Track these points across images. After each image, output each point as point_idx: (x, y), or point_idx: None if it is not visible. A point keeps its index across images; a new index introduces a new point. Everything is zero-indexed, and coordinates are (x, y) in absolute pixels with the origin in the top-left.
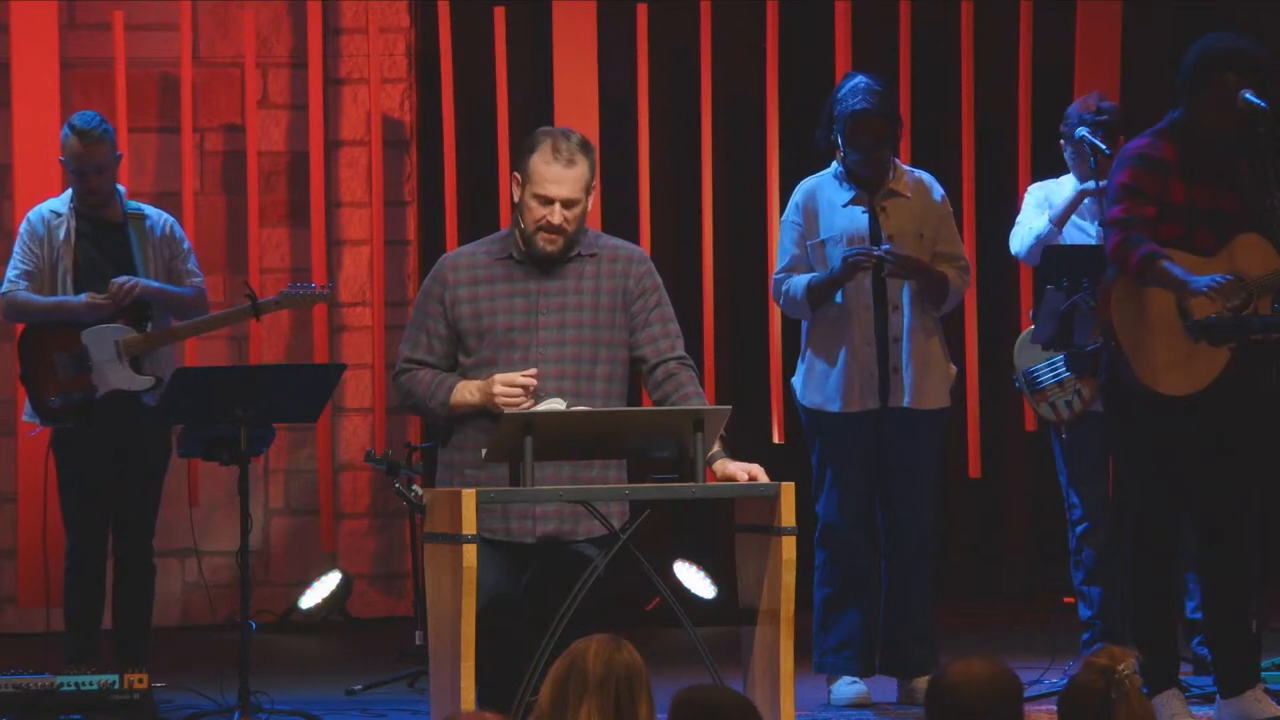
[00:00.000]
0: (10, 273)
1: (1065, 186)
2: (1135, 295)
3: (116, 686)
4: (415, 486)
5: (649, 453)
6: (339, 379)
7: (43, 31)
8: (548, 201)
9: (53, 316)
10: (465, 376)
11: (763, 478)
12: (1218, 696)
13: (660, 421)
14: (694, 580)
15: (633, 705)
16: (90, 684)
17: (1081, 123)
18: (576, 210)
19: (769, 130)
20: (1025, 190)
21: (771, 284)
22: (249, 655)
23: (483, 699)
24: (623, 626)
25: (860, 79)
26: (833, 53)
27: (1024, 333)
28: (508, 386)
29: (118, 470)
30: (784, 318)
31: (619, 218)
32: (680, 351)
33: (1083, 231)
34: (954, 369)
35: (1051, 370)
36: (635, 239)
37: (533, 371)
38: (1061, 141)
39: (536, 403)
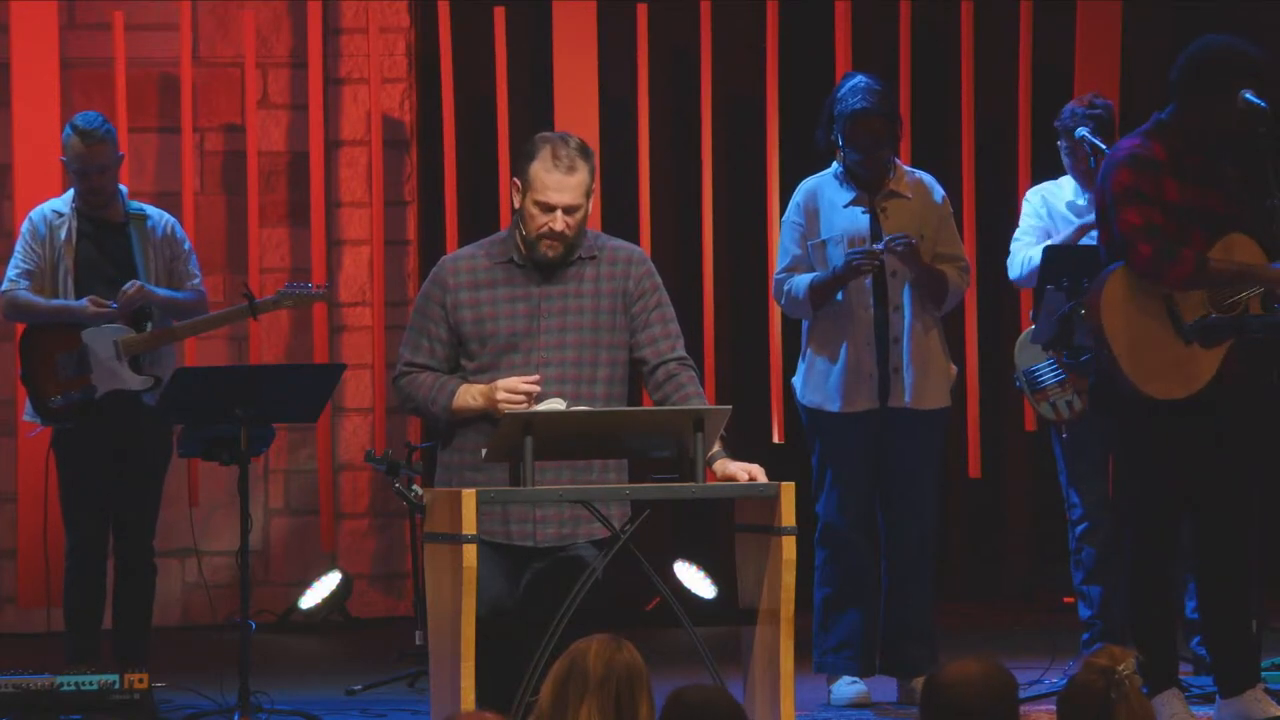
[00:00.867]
0: (11, 272)
1: (1064, 188)
2: (1125, 301)
3: (116, 686)
4: (415, 486)
5: (649, 453)
6: (339, 379)
7: (43, 31)
8: (549, 209)
9: (54, 319)
10: (469, 381)
11: (762, 478)
12: (1218, 696)
13: (660, 421)
14: (694, 580)
15: (633, 705)
16: (90, 684)
17: (1075, 118)
18: (578, 215)
19: (769, 130)
20: (1025, 191)
21: (772, 284)
22: (249, 655)
23: (482, 699)
24: (623, 626)
25: (860, 79)
26: (833, 53)
27: (1024, 332)
28: (510, 393)
29: (118, 470)
30: (784, 318)
31: (619, 218)
32: (681, 352)
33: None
34: (954, 369)
35: (1052, 370)
36: (635, 239)
37: (535, 377)
38: (1059, 142)
39: (537, 403)
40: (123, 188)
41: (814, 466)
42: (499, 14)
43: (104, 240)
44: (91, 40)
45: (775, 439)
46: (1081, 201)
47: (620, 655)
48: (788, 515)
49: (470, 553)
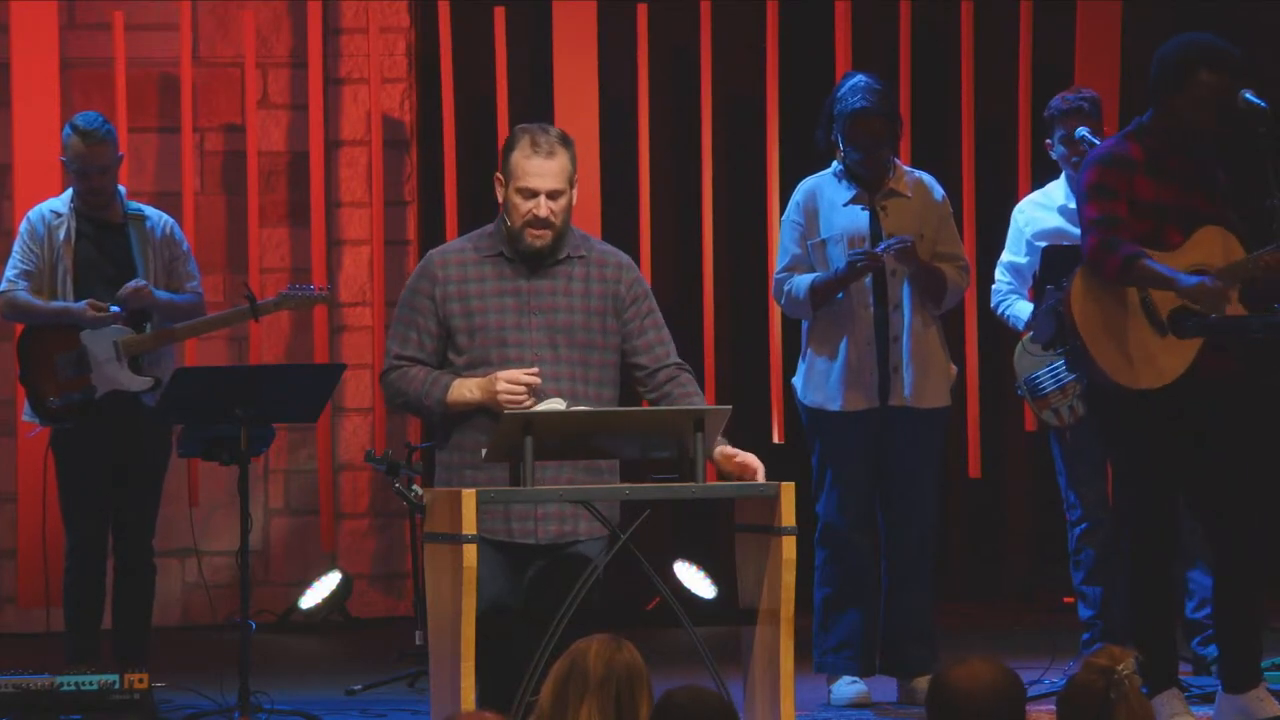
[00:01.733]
0: (9, 272)
1: (1055, 194)
2: (1096, 293)
3: (116, 686)
4: (415, 486)
5: (649, 453)
6: (339, 379)
7: (43, 31)
8: (532, 194)
9: (53, 321)
10: (459, 375)
11: (759, 474)
12: (1219, 691)
13: (660, 421)
14: (694, 580)
15: (633, 705)
16: (90, 684)
17: (1063, 99)
18: (562, 202)
19: (769, 130)
20: (1024, 191)
21: (772, 284)
22: (249, 655)
23: (483, 698)
24: (623, 626)
25: (860, 78)
26: (833, 53)
27: (1021, 341)
28: (511, 384)
29: (118, 470)
30: (784, 318)
31: (619, 218)
32: (677, 357)
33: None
34: (954, 368)
35: (1053, 376)
36: (635, 239)
37: (536, 370)
38: (1047, 141)
39: (537, 402)
40: (121, 188)
41: (814, 466)
42: (499, 14)
43: (103, 240)
44: (91, 40)
45: (775, 439)
46: (1074, 205)
47: (620, 655)
48: (788, 515)
49: (470, 553)
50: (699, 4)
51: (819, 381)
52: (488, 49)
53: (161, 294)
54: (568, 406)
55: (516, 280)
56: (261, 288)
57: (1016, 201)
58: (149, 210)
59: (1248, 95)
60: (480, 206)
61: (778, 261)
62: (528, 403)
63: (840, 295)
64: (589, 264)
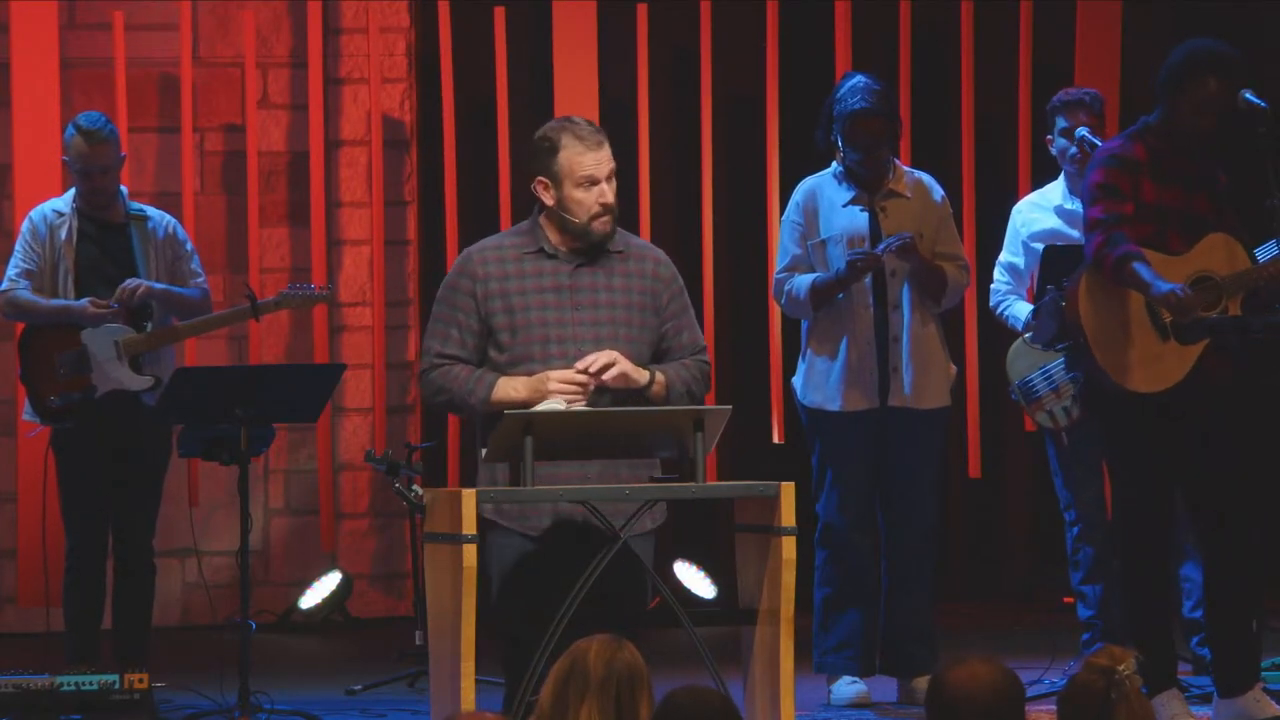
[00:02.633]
0: (11, 271)
1: (1053, 195)
2: (1102, 293)
3: (116, 686)
4: (415, 486)
5: (649, 453)
6: (339, 379)
7: (43, 31)
8: (594, 183)
9: (53, 320)
10: (503, 373)
11: (610, 362)
12: (1215, 696)
13: (660, 421)
14: (694, 580)
15: (634, 706)
16: (90, 684)
17: (1063, 97)
18: (614, 185)
19: (769, 130)
20: (1024, 191)
21: (772, 284)
22: (249, 655)
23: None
24: (623, 627)
25: (859, 79)
26: (833, 53)
27: (1014, 344)
28: (565, 384)
29: (117, 470)
30: (784, 318)
31: (619, 218)
32: (701, 347)
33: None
34: (954, 368)
35: (1045, 377)
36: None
37: (588, 365)
38: (1048, 136)
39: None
40: (123, 188)
41: (814, 466)
42: (499, 14)
43: (105, 241)
44: (91, 40)
45: (775, 439)
46: (1070, 205)
47: (621, 655)
48: (788, 515)
49: (470, 553)
50: (699, 4)
51: (819, 382)
52: (488, 49)
53: (160, 284)
54: (567, 406)
55: (558, 277)
56: (261, 288)
57: (1016, 201)
58: (151, 210)
59: (1248, 95)
60: (480, 206)
61: (778, 262)
62: (582, 403)
63: (840, 295)
64: (628, 259)
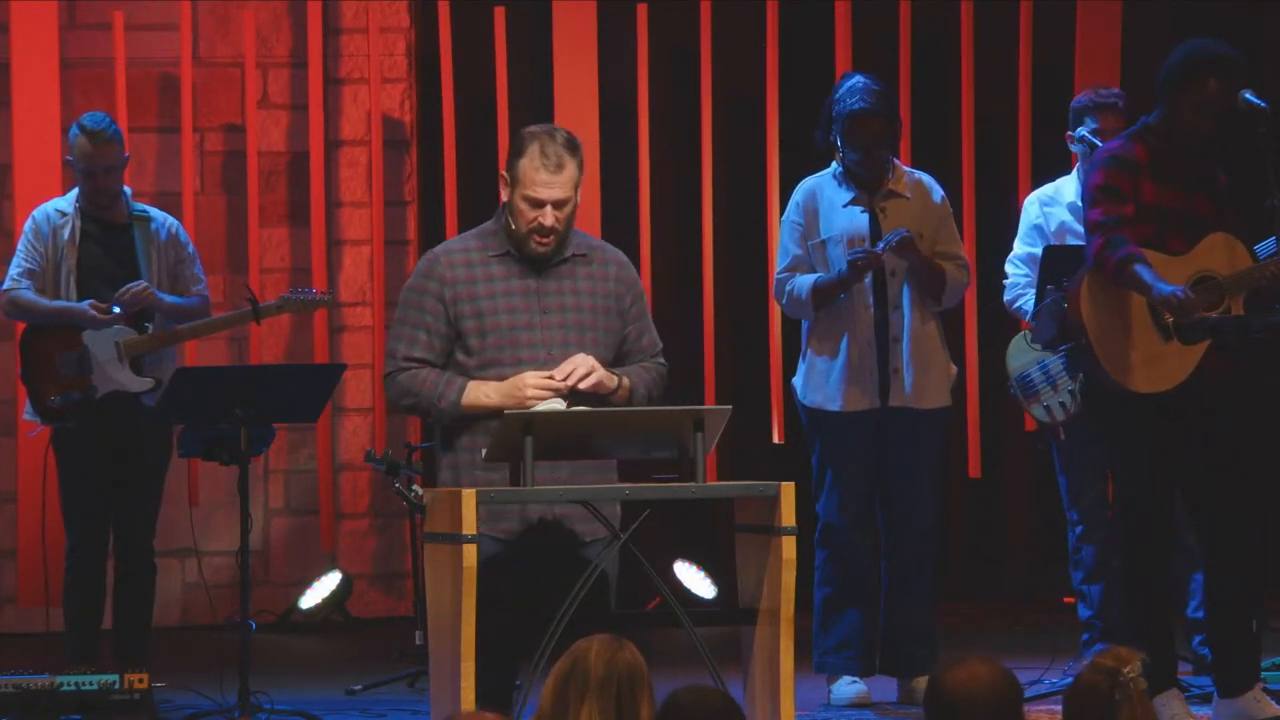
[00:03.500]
0: (13, 270)
1: (1065, 192)
2: (1104, 294)
3: (116, 686)
4: (415, 486)
5: (649, 453)
6: (339, 379)
7: (43, 31)
8: (538, 204)
9: (54, 320)
10: (470, 377)
11: (588, 370)
12: (1215, 696)
13: (660, 421)
14: (694, 580)
15: (634, 706)
16: (90, 684)
17: (1087, 109)
18: (567, 209)
19: (769, 130)
20: (1025, 191)
21: (773, 284)
22: (249, 655)
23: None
24: (623, 626)
25: (859, 79)
26: (833, 53)
27: (1014, 339)
28: (540, 389)
29: (118, 471)
30: (784, 317)
31: (619, 218)
32: (658, 350)
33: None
34: (954, 368)
35: (1043, 371)
36: (635, 239)
37: (560, 371)
38: (1069, 134)
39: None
40: (127, 189)
41: (814, 466)
42: (499, 14)
43: (107, 241)
44: (91, 40)
45: (775, 439)
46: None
47: (621, 655)
48: (788, 515)
49: (470, 553)
50: (699, 4)
51: (819, 381)
52: (488, 49)
53: (166, 297)
54: (568, 406)
55: (526, 279)
56: (261, 288)
57: (1016, 201)
58: (154, 211)
59: (1248, 95)
60: (480, 206)
61: (778, 262)
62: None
63: (841, 296)
64: (592, 263)
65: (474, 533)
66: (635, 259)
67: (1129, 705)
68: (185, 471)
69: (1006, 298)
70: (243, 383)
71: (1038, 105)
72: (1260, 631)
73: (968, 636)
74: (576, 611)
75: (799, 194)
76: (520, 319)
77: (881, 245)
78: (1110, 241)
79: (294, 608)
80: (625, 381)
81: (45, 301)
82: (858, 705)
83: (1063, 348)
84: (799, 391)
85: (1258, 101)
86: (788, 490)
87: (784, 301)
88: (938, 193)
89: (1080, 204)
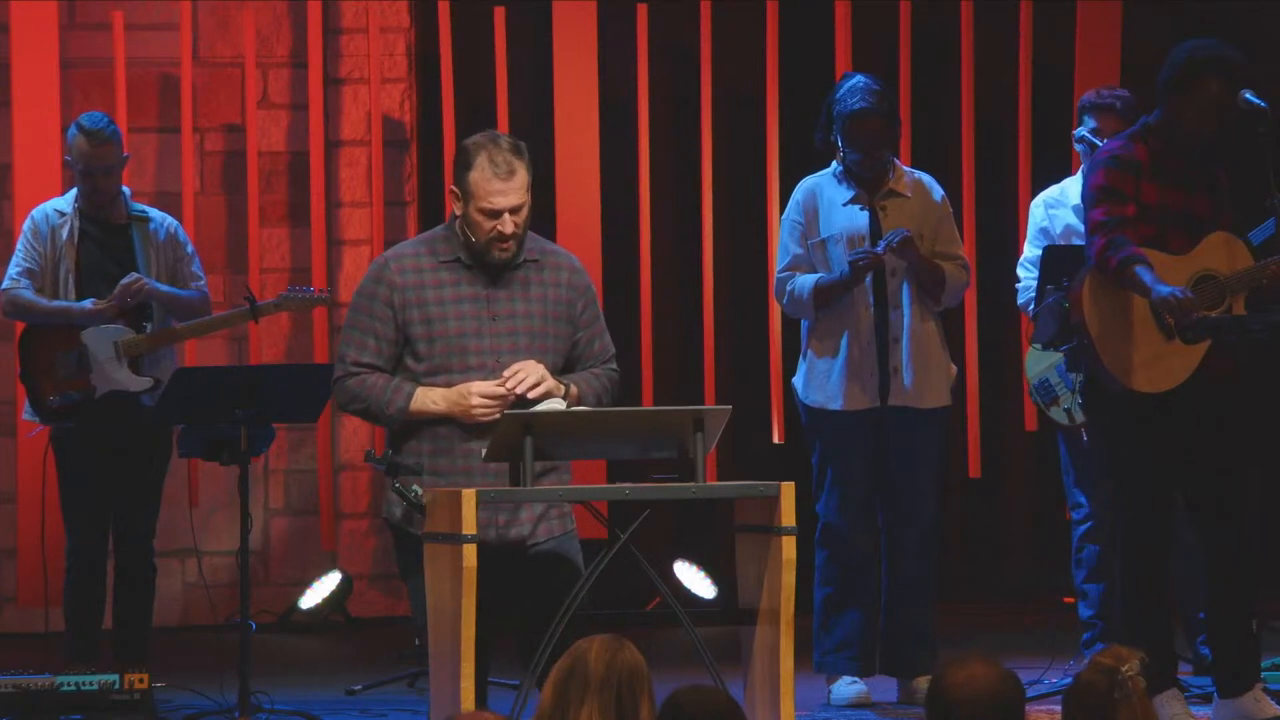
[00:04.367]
0: (12, 270)
1: (1070, 192)
2: (1106, 294)
3: (116, 686)
4: (415, 486)
5: (649, 453)
6: None
7: (43, 31)
8: (496, 214)
9: (53, 320)
10: (419, 383)
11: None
12: (1215, 696)
13: (660, 421)
14: (694, 580)
15: (634, 706)
16: (90, 684)
17: (1086, 108)
18: (524, 213)
19: (769, 130)
20: (1025, 191)
21: (774, 283)
22: (249, 655)
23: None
24: (623, 626)
25: (859, 79)
26: (833, 53)
27: (1033, 346)
28: (485, 399)
29: (118, 470)
30: (784, 317)
31: (619, 218)
32: (610, 356)
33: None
34: (954, 368)
35: (1060, 375)
36: (635, 239)
37: (506, 383)
38: (1075, 133)
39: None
40: (125, 189)
41: (814, 466)
42: (499, 14)
43: (106, 241)
44: (91, 40)
45: (775, 439)
46: None
47: (622, 655)
48: (788, 515)
49: (470, 553)
50: (699, 4)
51: (819, 381)
52: (488, 49)
53: (163, 286)
54: (567, 407)
55: (475, 287)
56: (261, 288)
57: (1017, 201)
58: (153, 212)
59: (1248, 95)
60: None
61: (778, 261)
62: (496, 416)
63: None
64: (544, 268)
65: (474, 533)
66: (635, 259)
67: (1128, 705)
68: (185, 471)
69: (1019, 300)
70: (243, 383)
71: (1038, 105)
72: (1260, 631)
73: (968, 636)
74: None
75: (799, 193)
76: (469, 325)
77: (882, 245)
78: (1112, 242)
79: (294, 608)
80: (574, 390)
81: (44, 301)
82: (858, 705)
83: (1063, 347)
84: (799, 391)
85: (1258, 101)
86: (788, 490)
87: (785, 301)
88: (938, 192)
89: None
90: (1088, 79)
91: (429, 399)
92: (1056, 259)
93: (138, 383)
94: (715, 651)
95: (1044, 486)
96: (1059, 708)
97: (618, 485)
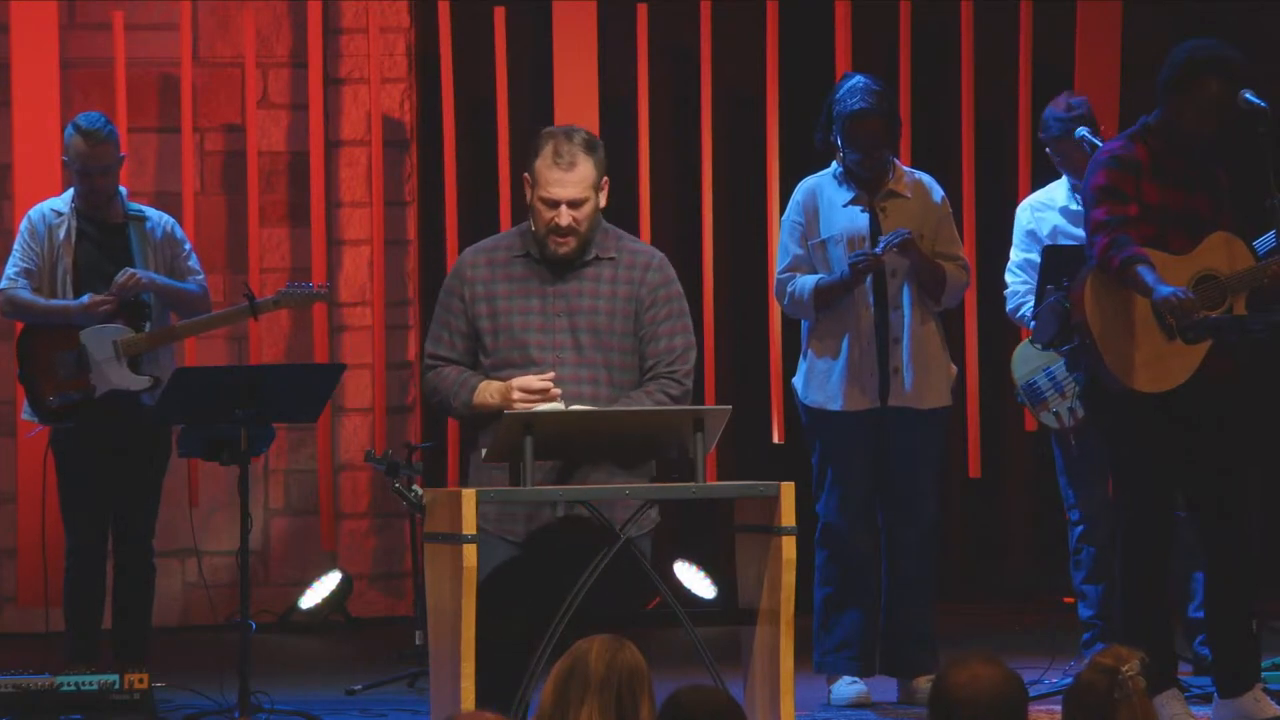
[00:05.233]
0: (9, 270)
1: (1057, 196)
2: (1108, 294)
3: (116, 686)
4: (415, 486)
5: (649, 453)
6: (339, 379)
7: (43, 31)
8: (554, 204)
9: (51, 319)
10: (487, 376)
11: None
12: (1215, 696)
13: (660, 421)
14: (694, 580)
15: (634, 706)
16: (90, 684)
17: (1058, 122)
18: (585, 209)
19: (769, 130)
20: (1025, 191)
21: (774, 283)
22: (249, 655)
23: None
24: (623, 626)
25: (859, 79)
26: (833, 53)
27: (1019, 346)
28: (525, 391)
29: (117, 470)
30: (784, 317)
31: (619, 217)
32: (675, 366)
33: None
34: (954, 368)
35: (1050, 379)
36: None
37: (550, 375)
38: (1047, 150)
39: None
40: (122, 189)
41: (814, 466)
42: (499, 14)
43: (103, 241)
44: (91, 40)
45: (775, 439)
46: (1075, 206)
47: (622, 655)
48: (788, 515)
49: (470, 553)
50: (699, 4)
51: (819, 381)
52: (488, 49)
53: (159, 277)
54: (567, 406)
55: (542, 282)
56: (261, 288)
57: (1016, 201)
58: (149, 211)
59: (1248, 95)
60: (480, 206)
61: (778, 261)
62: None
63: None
64: (618, 265)
65: (474, 532)
66: None
67: (1128, 705)
68: (185, 471)
69: (1008, 307)
70: (243, 383)
71: (1038, 105)
72: (1260, 631)
73: (968, 636)
74: (592, 610)
75: (799, 194)
76: (533, 321)
77: (881, 246)
78: (1115, 241)
79: (294, 608)
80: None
81: (42, 300)
82: (858, 705)
83: (1064, 348)
84: (799, 391)
85: (1258, 101)
86: (788, 490)
87: (785, 302)
88: (938, 193)
89: (1072, 208)
90: (1088, 79)
91: (488, 392)
92: (1056, 259)
93: (137, 382)
94: (715, 651)
95: (1044, 486)
96: (1059, 708)
97: (618, 485)
